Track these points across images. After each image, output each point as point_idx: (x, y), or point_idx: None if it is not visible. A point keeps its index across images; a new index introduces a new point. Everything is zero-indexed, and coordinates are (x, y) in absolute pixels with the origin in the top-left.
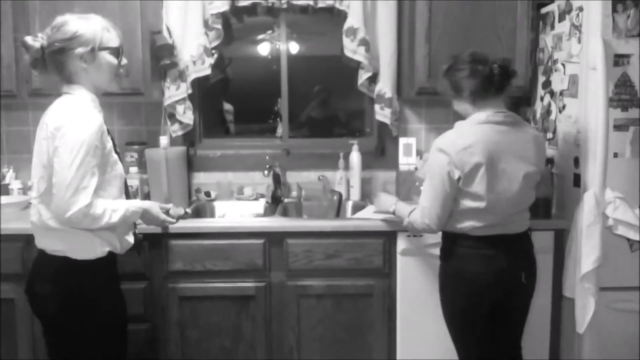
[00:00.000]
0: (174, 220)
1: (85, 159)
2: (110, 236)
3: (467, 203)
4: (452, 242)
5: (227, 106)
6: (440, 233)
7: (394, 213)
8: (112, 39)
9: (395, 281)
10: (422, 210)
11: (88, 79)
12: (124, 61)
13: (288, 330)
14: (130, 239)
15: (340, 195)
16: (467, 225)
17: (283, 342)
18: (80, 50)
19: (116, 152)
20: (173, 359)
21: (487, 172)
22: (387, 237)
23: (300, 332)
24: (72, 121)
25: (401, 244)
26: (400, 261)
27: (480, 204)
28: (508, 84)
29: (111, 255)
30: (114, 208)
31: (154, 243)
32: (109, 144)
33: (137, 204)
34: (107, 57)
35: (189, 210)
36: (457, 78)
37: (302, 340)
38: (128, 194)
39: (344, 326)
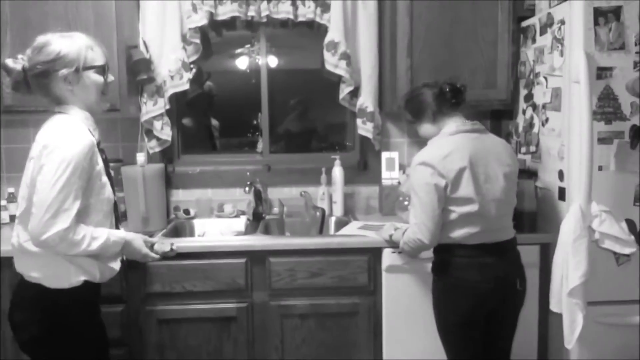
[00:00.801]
0: (156, 257)
1: (70, 180)
2: (89, 264)
3: (458, 209)
4: (448, 254)
5: (214, 122)
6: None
7: (391, 239)
8: (97, 57)
9: (381, 299)
10: (412, 227)
11: (76, 100)
12: (111, 78)
13: (271, 351)
14: (116, 265)
15: (323, 211)
16: (461, 233)
17: None
18: (64, 71)
19: (108, 173)
20: None
21: (471, 174)
22: (371, 254)
23: (283, 353)
24: (60, 140)
25: (386, 260)
26: (386, 278)
27: (472, 207)
28: (462, 98)
29: (88, 284)
30: (94, 235)
31: (131, 265)
32: (99, 166)
33: (119, 234)
34: (93, 77)
35: (175, 247)
36: (415, 104)
37: None
38: (118, 218)
39: (328, 346)
